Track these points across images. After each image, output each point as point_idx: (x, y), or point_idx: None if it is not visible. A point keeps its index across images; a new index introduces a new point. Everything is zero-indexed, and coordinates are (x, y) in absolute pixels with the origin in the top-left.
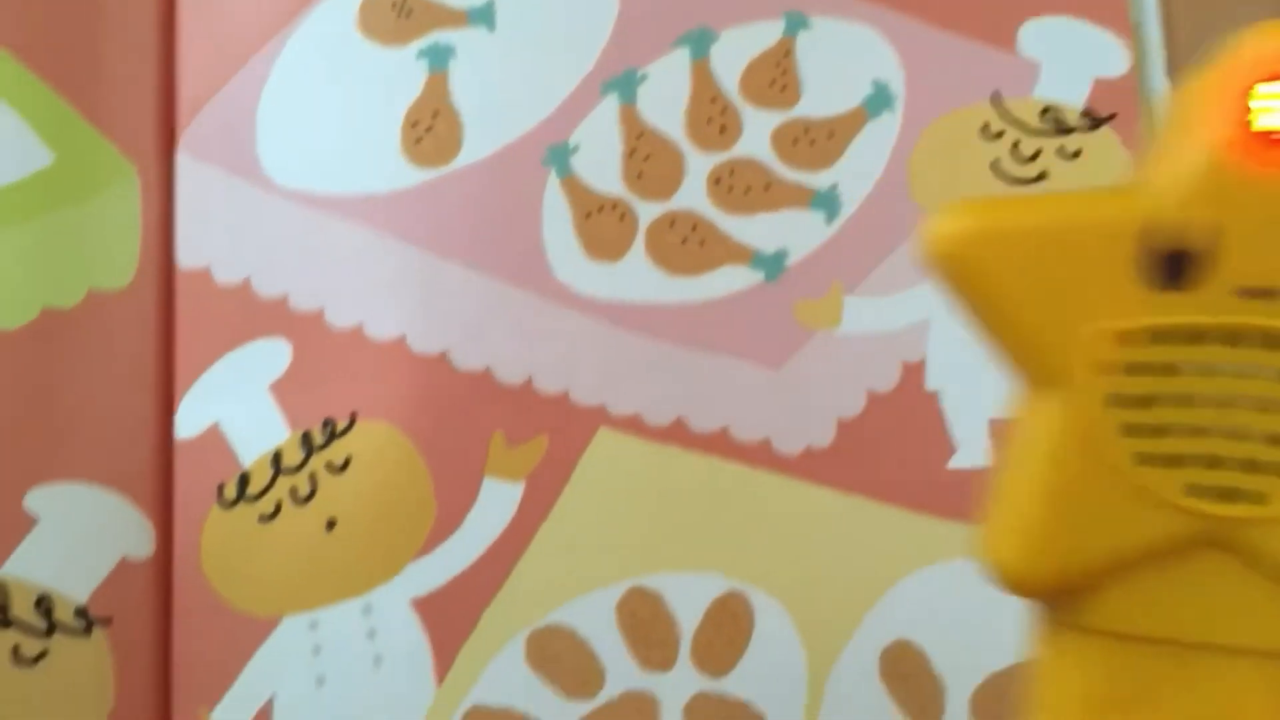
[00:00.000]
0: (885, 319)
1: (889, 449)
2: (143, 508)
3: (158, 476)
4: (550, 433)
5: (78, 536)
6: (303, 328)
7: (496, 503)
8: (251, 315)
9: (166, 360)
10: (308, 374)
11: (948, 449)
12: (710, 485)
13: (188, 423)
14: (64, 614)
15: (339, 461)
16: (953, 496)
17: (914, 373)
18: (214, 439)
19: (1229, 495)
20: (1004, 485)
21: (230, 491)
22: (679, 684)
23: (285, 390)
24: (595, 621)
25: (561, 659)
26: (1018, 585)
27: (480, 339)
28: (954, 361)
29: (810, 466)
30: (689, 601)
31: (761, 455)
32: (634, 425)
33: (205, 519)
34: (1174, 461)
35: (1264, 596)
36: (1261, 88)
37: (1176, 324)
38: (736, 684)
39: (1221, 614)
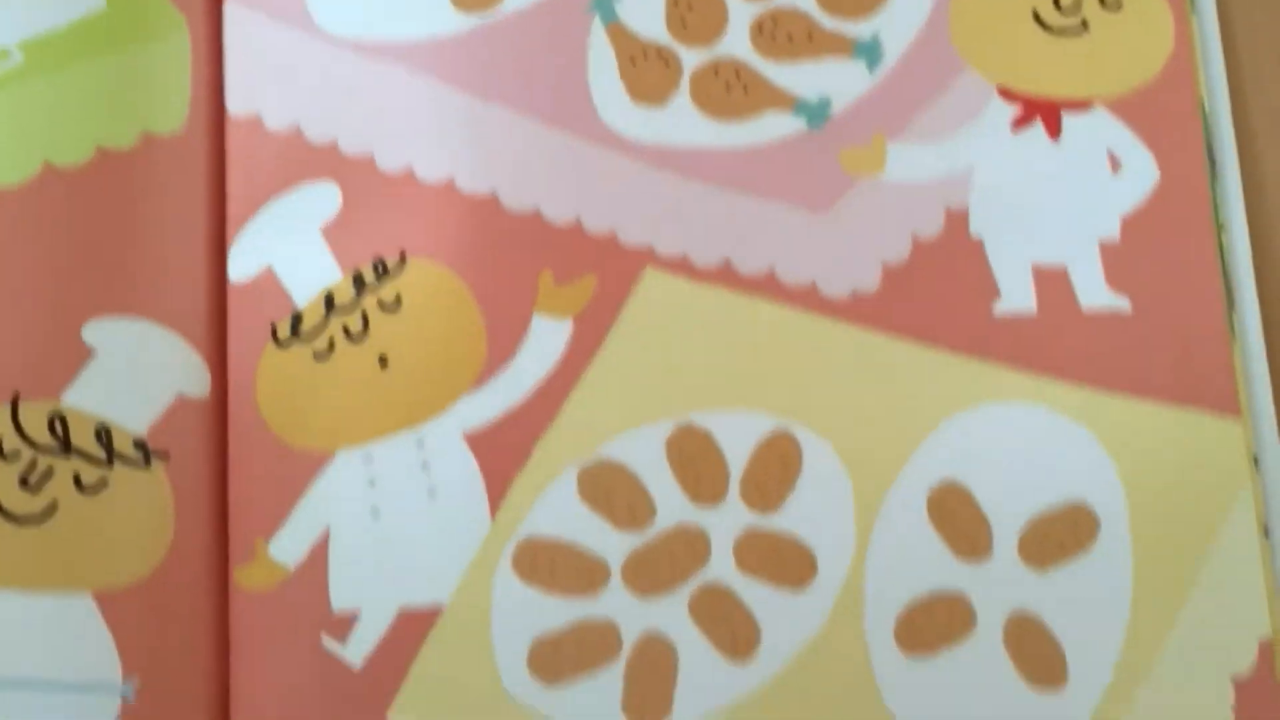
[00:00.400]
0: (928, 166)
1: (934, 294)
2: (198, 348)
3: (212, 317)
4: (598, 272)
5: (134, 371)
6: (353, 171)
7: (546, 339)
8: (302, 160)
9: (219, 204)
10: (358, 216)
11: (992, 294)
12: (757, 326)
13: (241, 265)
14: (123, 445)
15: (390, 299)
16: (998, 340)
17: (958, 219)
18: (267, 281)
19: None
20: None
21: (284, 331)
22: (729, 518)
23: (336, 232)
24: (645, 457)
25: (613, 493)
26: None
27: (528, 180)
28: (998, 208)
29: (857, 310)
30: (737, 439)
31: (808, 298)
32: (681, 266)
33: (260, 358)
34: None
35: None
36: None
37: None
38: (785, 520)
39: None
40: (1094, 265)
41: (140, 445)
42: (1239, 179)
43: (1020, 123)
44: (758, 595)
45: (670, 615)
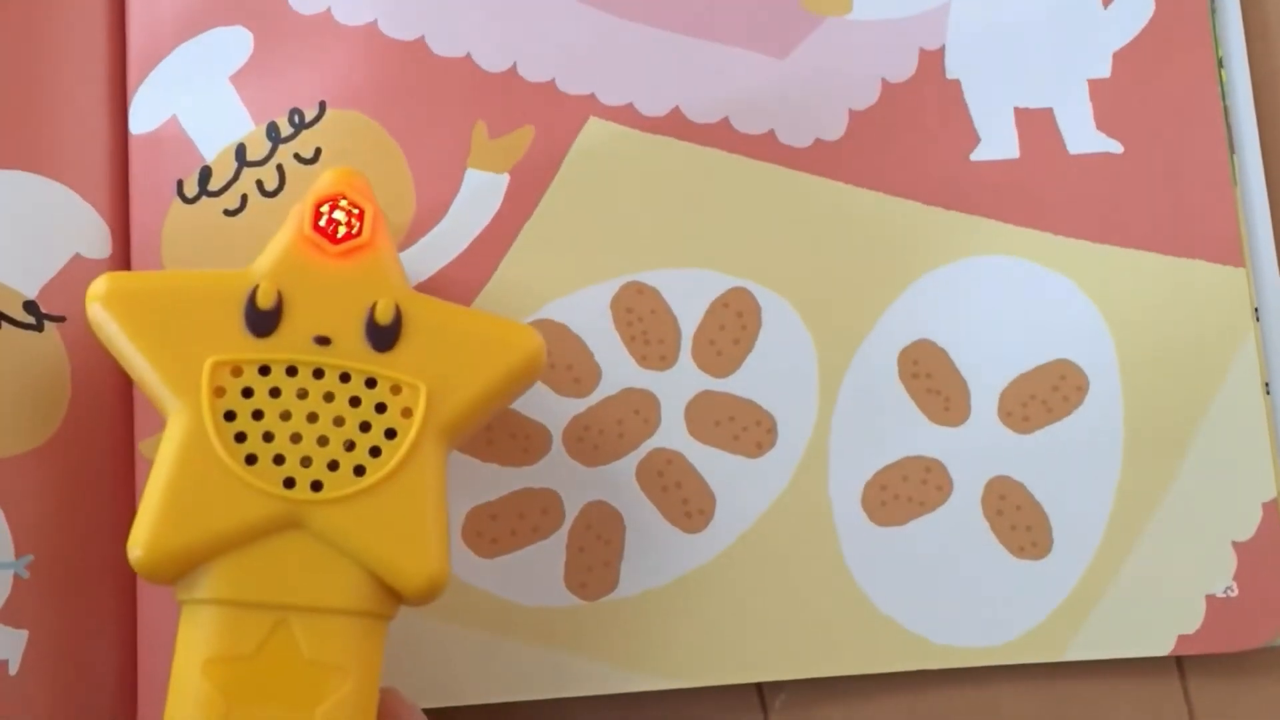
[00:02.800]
0: (900, 3)
1: (906, 141)
2: (97, 205)
3: (113, 172)
4: (536, 122)
5: (25, 230)
6: (265, 14)
7: (480, 195)
8: (208, 2)
9: (119, 51)
10: (271, 63)
11: (970, 140)
12: (710, 178)
13: (143, 116)
14: (11, 306)
15: (308, 153)
16: (977, 190)
17: (933, 60)
18: (172, 132)
19: (316, 487)
20: (147, 490)
21: (191, 187)
22: (680, 382)
23: (247, 81)
24: (588, 318)
25: (553, 356)
26: (148, 573)
27: (459, 23)
28: (977, 47)
29: (820, 159)
30: (689, 298)
31: (766, 147)
32: (627, 115)
33: (165, 215)
34: (277, 461)
35: (341, 566)
36: (321, 206)
37: (274, 359)
38: (742, 384)
39: (312, 581)
40: (1083, 106)
41: (31, 307)
42: (1240, 9)
43: None
44: (712, 463)
45: (617, 484)
